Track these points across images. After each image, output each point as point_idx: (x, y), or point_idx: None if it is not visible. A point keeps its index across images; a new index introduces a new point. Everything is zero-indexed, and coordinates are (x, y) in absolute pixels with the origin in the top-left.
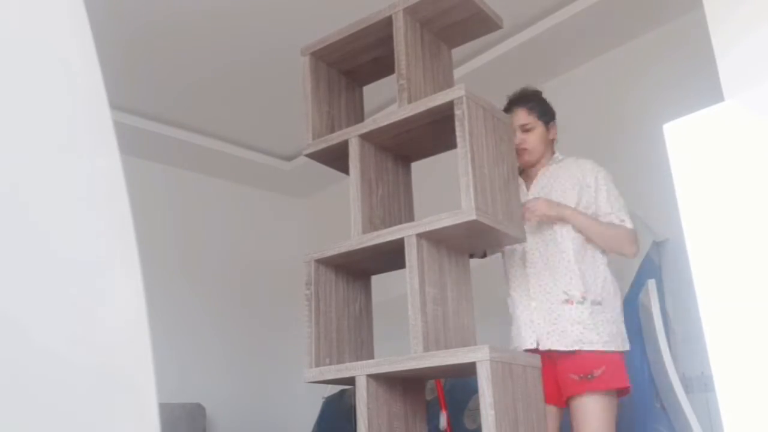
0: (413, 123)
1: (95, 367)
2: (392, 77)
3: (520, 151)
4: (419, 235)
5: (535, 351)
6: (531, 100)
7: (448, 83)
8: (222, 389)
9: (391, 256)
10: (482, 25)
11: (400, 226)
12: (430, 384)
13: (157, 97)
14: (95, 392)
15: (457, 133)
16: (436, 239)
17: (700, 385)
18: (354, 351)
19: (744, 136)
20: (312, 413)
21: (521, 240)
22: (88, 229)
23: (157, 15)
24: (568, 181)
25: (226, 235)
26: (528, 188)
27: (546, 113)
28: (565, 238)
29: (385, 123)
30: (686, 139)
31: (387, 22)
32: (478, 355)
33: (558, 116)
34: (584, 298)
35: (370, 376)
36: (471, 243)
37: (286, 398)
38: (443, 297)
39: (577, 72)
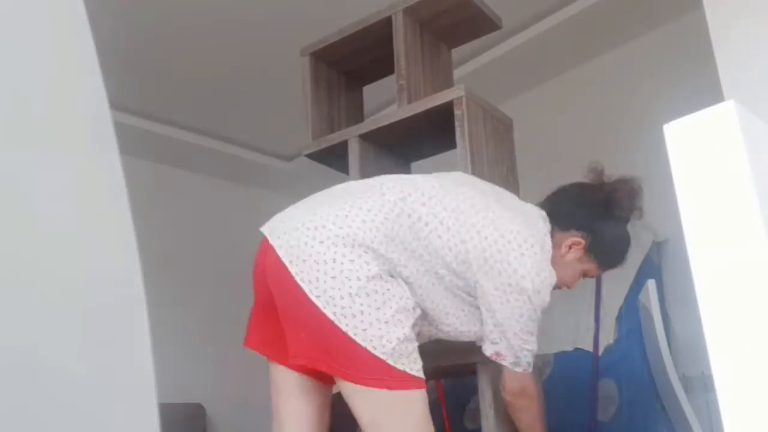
0: (413, 123)
1: (96, 367)
2: (392, 77)
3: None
4: None
5: None
6: None
7: (448, 83)
8: (222, 389)
9: None
10: (482, 25)
11: None
12: (430, 384)
13: (157, 97)
14: (96, 392)
15: (457, 133)
16: None
17: (700, 385)
18: None
19: (744, 136)
20: None
21: None
22: (88, 230)
23: (156, 14)
24: None
25: (226, 235)
26: None
27: None
28: None
29: (385, 123)
30: (687, 140)
31: (387, 22)
32: (478, 355)
33: (558, 117)
34: None
35: None
36: None
37: None
38: None
39: (578, 72)
